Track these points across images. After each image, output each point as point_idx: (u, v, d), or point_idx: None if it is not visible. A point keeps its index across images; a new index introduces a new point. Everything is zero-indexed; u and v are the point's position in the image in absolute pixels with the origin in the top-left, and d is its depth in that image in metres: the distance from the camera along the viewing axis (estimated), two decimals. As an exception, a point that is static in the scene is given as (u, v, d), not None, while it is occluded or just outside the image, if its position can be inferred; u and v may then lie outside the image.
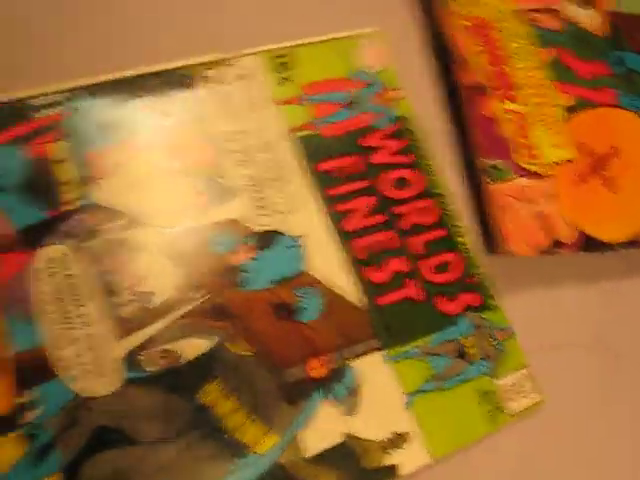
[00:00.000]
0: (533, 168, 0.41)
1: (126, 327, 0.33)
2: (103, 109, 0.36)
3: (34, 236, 0.34)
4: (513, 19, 0.45)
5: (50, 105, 0.36)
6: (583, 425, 0.40)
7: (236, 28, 0.41)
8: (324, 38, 0.41)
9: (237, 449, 0.33)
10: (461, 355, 0.38)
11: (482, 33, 0.43)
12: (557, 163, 0.42)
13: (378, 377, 0.36)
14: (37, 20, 0.38)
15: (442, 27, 0.43)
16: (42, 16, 0.38)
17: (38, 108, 0.35)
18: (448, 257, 0.40)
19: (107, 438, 0.31)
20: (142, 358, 0.33)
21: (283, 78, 0.40)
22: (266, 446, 0.34)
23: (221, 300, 0.35)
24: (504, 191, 0.40)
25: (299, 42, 0.41)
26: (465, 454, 0.37)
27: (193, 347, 0.34)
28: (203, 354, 0.34)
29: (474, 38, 0.43)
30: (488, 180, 0.40)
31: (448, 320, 0.38)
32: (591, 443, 0.40)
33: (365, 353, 0.36)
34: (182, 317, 0.34)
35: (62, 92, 0.36)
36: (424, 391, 0.37)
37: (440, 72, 0.44)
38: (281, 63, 0.40)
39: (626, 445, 0.41)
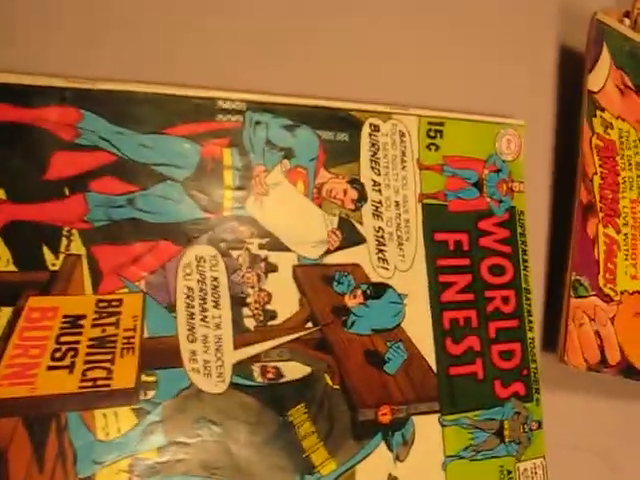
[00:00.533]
0: (608, 292, 0.46)
1: (246, 337, 0.37)
2: (276, 129, 0.39)
3: (189, 231, 0.37)
4: (635, 148, 0.49)
5: (234, 112, 0.38)
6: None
7: (402, 84, 0.44)
8: (475, 118, 0.45)
9: (307, 467, 0.38)
10: (498, 434, 0.43)
11: (608, 156, 0.47)
12: (628, 292, 0.47)
13: (430, 435, 0.41)
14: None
15: (578, 140, 0.46)
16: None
17: (224, 112, 0.38)
18: (514, 346, 0.44)
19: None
20: (254, 369, 0.37)
21: (432, 144, 0.43)
22: (328, 469, 0.38)
23: (329, 335, 0.39)
24: (581, 306, 0.45)
25: (454, 115, 0.44)
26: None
27: (296, 370, 0.38)
28: (302, 378, 0.38)
29: (601, 159, 0.47)
30: (572, 294, 0.45)
31: (498, 402, 0.44)
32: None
33: (426, 412, 0.41)
34: (293, 341, 0.38)
35: (247, 102, 0.38)
36: (460, 457, 0.42)
37: (560, 179, 0.48)
38: (435, 130, 0.43)
39: None
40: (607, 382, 0.48)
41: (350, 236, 0.40)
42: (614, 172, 0.48)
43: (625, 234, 0.48)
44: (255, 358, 0.37)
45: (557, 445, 0.46)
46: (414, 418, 0.41)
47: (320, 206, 0.40)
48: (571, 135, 0.47)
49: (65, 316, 0.33)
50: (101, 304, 0.34)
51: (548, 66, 0.49)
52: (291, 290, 0.39)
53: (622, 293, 0.47)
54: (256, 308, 0.38)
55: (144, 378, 0.35)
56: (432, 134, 0.43)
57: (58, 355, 0.33)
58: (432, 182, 0.43)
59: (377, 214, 0.41)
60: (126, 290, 0.35)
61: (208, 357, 0.36)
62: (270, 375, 0.37)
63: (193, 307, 0.36)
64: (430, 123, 0.43)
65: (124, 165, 0.35)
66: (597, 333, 0.46)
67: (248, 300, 0.37)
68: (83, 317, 0.34)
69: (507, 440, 0.44)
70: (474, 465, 0.43)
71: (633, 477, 0.49)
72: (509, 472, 0.43)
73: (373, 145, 0.41)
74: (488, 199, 0.44)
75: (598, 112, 0.48)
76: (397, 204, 0.42)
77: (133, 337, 0.35)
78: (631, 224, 0.48)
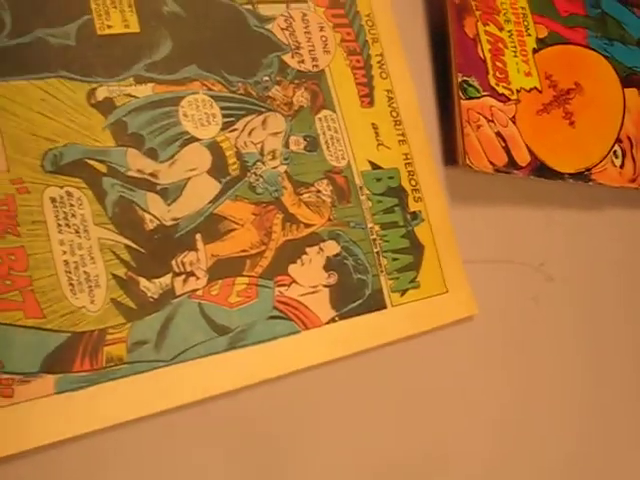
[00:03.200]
0: (502, 90, 0.44)
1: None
2: None
3: None
4: (504, -55, 0.46)
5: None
6: (511, 338, 0.44)
7: None
8: None
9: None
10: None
11: (474, -46, 0.44)
12: (525, 90, 0.45)
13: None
14: None
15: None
16: None
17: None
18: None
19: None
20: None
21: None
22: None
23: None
24: (474, 107, 0.42)
25: None
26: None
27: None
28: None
29: (467, -43, 0.44)
30: (461, 95, 0.42)
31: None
32: (518, 354, 0.44)
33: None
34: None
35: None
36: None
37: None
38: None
39: (549, 361, 0.45)
40: (519, 189, 0.46)
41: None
42: (484, -31, 0.45)
43: (509, 31, 0.45)
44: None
45: (481, 259, 0.43)
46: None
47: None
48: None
49: None
50: None
51: None
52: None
53: (518, 91, 0.45)
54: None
55: None
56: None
57: None
58: None
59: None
60: None
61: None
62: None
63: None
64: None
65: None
66: (499, 134, 0.43)
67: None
68: None
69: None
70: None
71: (567, 286, 0.46)
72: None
73: None
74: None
75: None
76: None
77: None
78: (514, 20, 0.46)
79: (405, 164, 0.41)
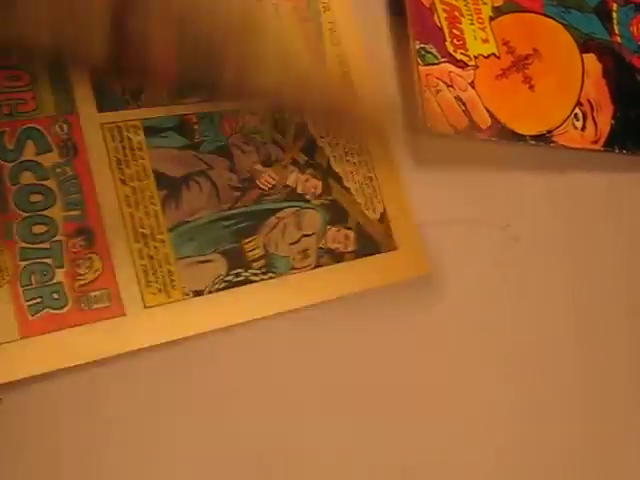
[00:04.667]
0: (460, 57, 0.45)
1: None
2: None
3: None
4: None
5: None
6: (473, 300, 0.45)
7: None
8: None
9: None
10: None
11: None
12: (482, 56, 0.46)
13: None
14: None
15: None
16: None
17: None
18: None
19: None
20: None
21: None
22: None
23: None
24: (433, 73, 0.44)
25: None
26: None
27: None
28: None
29: None
30: (420, 62, 0.43)
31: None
32: (477, 316, 0.44)
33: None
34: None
35: None
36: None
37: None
38: None
39: (525, 323, 0.45)
40: (482, 152, 0.47)
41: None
42: (438, -62, 0.46)
43: (465, 0, 0.46)
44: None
45: (447, 221, 0.44)
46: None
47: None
48: None
49: None
50: None
51: None
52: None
53: (476, 57, 0.46)
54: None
55: None
56: None
57: None
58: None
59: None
60: None
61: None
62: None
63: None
64: None
65: None
66: (458, 99, 0.44)
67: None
68: None
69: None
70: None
71: (532, 246, 0.47)
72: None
73: None
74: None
75: None
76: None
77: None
78: (470, -10, 0.47)
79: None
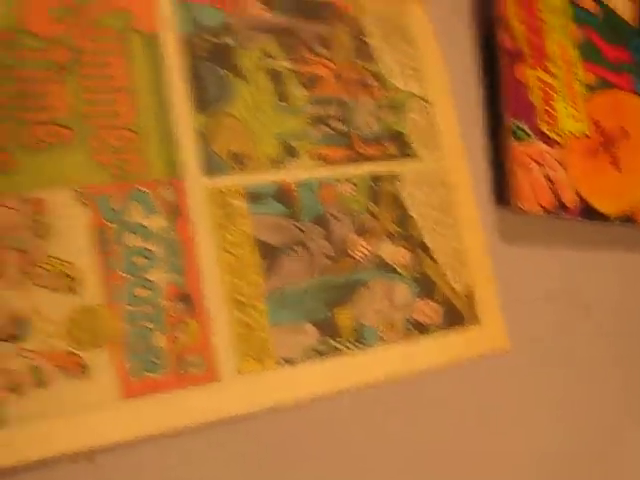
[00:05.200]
0: (552, 135, 0.45)
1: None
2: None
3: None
4: (555, -6, 0.48)
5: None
6: (552, 376, 0.45)
7: None
8: None
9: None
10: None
11: (527, 3, 0.46)
12: (573, 135, 0.46)
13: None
14: None
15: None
16: None
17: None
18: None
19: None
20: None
21: None
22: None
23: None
24: (525, 151, 0.44)
25: None
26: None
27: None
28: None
29: (519, 7, 0.46)
30: (513, 139, 0.44)
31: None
32: (556, 392, 0.45)
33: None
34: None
35: None
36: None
37: (484, 36, 0.47)
38: None
39: (598, 402, 0.46)
40: (567, 229, 0.47)
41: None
42: (536, 18, 0.47)
43: (559, 77, 0.47)
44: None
45: (529, 298, 0.44)
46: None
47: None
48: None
49: None
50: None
51: None
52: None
53: (567, 136, 0.46)
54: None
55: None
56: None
57: None
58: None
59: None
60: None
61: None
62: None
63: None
64: None
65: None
66: (548, 177, 0.44)
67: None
68: None
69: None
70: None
71: (604, 318, 0.47)
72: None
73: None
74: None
75: (509, -38, 0.47)
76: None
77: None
78: (564, 67, 0.47)
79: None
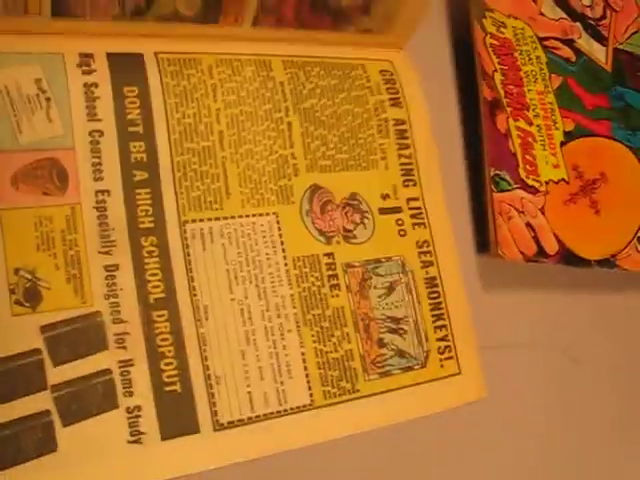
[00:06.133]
0: (532, 183, 0.46)
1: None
2: None
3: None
4: (532, 43, 0.49)
5: None
6: (532, 422, 0.45)
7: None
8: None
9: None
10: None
11: (506, 53, 0.47)
12: (552, 181, 0.47)
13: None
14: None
15: (472, 43, 0.46)
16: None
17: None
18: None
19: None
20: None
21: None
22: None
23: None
24: (506, 200, 0.45)
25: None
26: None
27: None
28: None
29: (498, 57, 0.47)
30: (493, 188, 0.44)
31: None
32: (536, 438, 0.45)
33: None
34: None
35: None
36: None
37: (463, 85, 0.48)
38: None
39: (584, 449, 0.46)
40: (548, 274, 0.48)
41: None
42: (515, 67, 0.48)
43: (538, 125, 0.48)
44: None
45: (511, 344, 0.45)
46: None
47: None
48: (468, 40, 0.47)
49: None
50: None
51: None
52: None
53: (547, 183, 0.47)
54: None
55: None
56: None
57: None
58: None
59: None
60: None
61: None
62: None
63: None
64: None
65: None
66: (529, 225, 0.45)
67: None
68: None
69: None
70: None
71: (595, 369, 0.48)
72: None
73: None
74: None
75: (487, 13, 0.48)
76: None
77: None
78: (542, 115, 0.48)
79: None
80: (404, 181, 0.44)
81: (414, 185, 0.44)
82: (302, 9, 0.41)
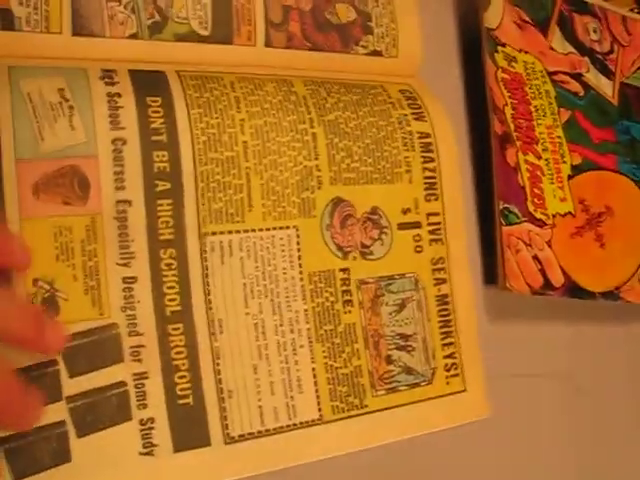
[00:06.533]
0: (540, 216, 0.47)
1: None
2: None
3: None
4: (542, 77, 0.50)
5: None
6: (534, 448, 0.46)
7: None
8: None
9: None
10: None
11: (516, 87, 0.48)
12: (560, 214, 0.48)
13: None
14: None
15: (484, 77, 0.47)
16: None
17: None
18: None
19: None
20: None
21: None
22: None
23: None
24: (513, 233, 0.46)
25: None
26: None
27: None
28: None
29: (509, 91, 0.48)
30: (502, 222, 0.45)
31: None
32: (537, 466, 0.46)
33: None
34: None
35: None
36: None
37: (472, 117, 0.49)
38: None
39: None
40: (553, 305, 0.49)
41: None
42: (525, 102, 0.49)
43: (546, 159, 0.48)
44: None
45: (515, 374, 0.46)
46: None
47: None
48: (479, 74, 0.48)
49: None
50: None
51: (446, 10, 0.50)
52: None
53: (554, 216, 0.48)
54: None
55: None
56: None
57: None
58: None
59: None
60: None
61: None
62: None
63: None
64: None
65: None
66: (536, 257, 0.46)
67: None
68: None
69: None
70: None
71: (598, 397, 0.49)
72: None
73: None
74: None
75: (499, 47, 0.49)
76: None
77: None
78: (550, 149, 0.49)
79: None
80: (426, 195, 0.43)
81: (435, 200, 0.44)
82: (307, 26, 0.41)
